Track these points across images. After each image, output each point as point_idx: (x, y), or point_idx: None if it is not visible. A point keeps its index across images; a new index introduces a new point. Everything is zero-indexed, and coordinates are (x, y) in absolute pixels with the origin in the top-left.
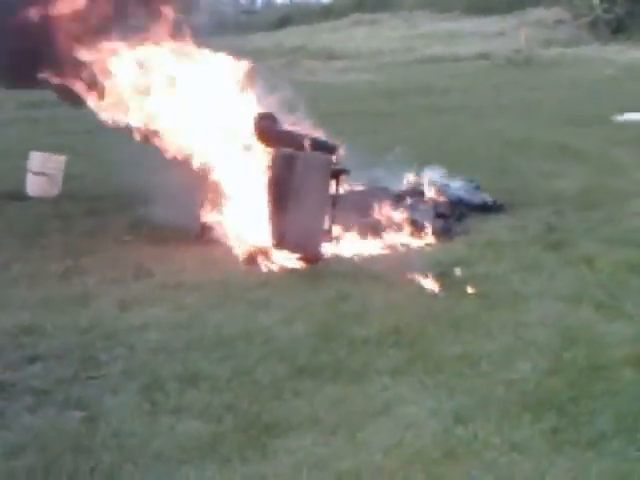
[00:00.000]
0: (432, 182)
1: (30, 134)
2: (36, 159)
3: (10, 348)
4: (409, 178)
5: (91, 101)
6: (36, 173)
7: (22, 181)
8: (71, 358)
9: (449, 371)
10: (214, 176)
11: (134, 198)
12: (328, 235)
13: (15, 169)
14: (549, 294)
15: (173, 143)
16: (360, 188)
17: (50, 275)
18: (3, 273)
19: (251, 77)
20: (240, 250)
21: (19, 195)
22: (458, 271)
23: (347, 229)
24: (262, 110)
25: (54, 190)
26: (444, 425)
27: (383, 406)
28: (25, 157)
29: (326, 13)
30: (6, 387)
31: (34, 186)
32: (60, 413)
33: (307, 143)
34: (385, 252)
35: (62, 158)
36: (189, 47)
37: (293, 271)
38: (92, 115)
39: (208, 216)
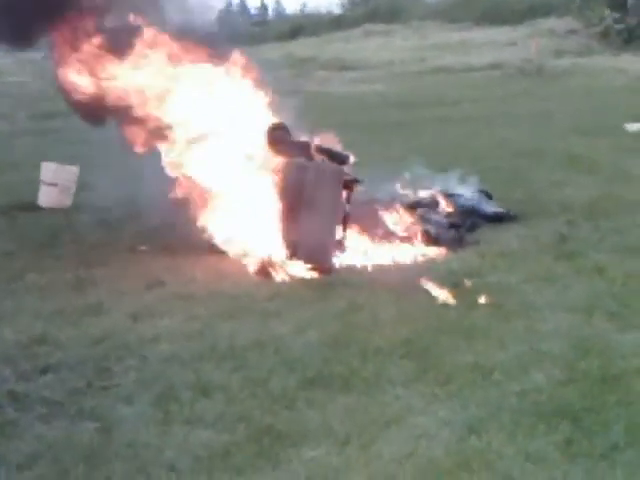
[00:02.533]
0: (444, 192)
1: (42, 145)
2: (48, 170)
3: (23, 358)
4: (421, 188)
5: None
6: (48, 184)
7: (34, 192)
8: (84, 368)
9: (462, 381)
10: (225, 187)
11: (146, 209)
12: (340, 245)
13: (27, 180)
14: (562, 304)
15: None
16: (372, 198)
17: (63, 286)
18: (16, 283)
19: (262, 87)
20: (251, 261)
21: (32, 206)
22: (471, 282)
23: (359, 239)
24: (274, 120)
25: (67, 201)
26: (457, 435)
27: (395, 416)
28: (37, 168)
29: (337, 23)
30: (19, 397)
31: (46, 197)
32: (73, 424)
33: (319, 153)
34: (397, 262)
35: (74, 169)
36: (200, 57)
37: (305, 282)
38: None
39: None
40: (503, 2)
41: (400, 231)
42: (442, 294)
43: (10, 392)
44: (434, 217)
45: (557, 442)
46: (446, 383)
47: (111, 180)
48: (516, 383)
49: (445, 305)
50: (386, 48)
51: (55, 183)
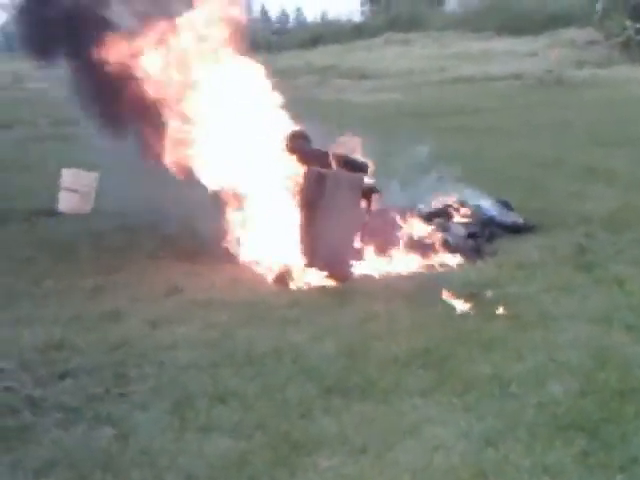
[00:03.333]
0: (463, 202)
1: (62, 151)
2: (68, 176)
3: (41, 364)
4: (440, 198)
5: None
6: (68, 189)
7: (54, 198)
8: (101, 375)
9: (479, 392)
10: (244, 194)
11: (165, 215)
12: (358, 254)
13: (48, 186)
14: (580, 315)
15: (202, 160)
16: (391, 207)
17: (81, 291)
18: (35, 289)
19: (282, 95)
20: (269, 268)
21: (51, 211)
22: (489, 292)
23: (378, 248)
24: (293, 128)
25: (86, 207)
26: (474, 447)
27: (412, 426)
28: (57, 174)
29: (358, 32)
30: (37, 403)
31: (66, 202)
32: (90, 429)
33: (338, 162)
34: (415, 271)
35: (94, 175)
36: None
37: (322, 290)
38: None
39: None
40: (524, 12)
41: (418, 240)
42: (460, 304)
43: (28, 397)
44: (452, 227)
45: (575, 454)
46: (463, 394)
47: (130, 186)
48: (534, 395)
49: (463, 315)
50: (406, 57)
51: (75, 189)
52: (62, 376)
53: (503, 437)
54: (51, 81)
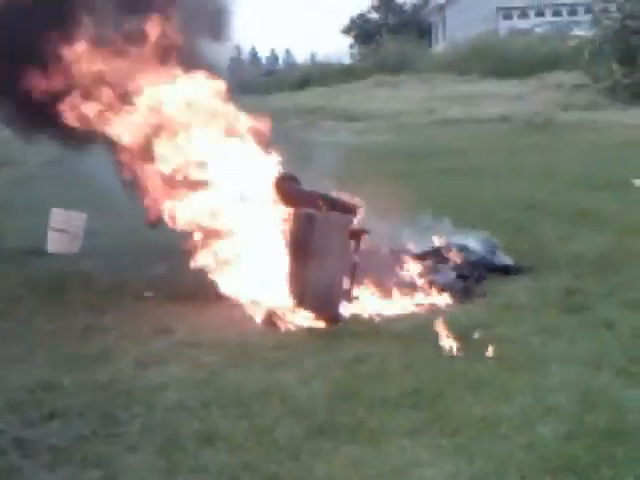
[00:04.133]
0: (452, 243)
1: (51, 190)
2: (57, 216)
3: (29, 404)
4: (429, 239)
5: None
6: (57, 230)
7: (43, 237)
8: (90, 415)
9: (468, 434)
10: (233, 235)
11: (153, 255)
12: (348, 295)
13: (36, 226)
14: (569, 358)
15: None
16: (380, 248)
17: (70, 332)
18: (23, 329)
19: (270, 137)
20: (258, 310)
21: (40, 251)
22: (477, 333)
23: (367, 289)
24: (282, 170)
25: (75, 247)
26: None
27: (401, 468)
28: (46, 214)
29: (347, 74)
30: (25, 444)
31: (55, 243)
32: (78, 471)
33: (327, 203)
34: (405, 312)
35: (83, 215)
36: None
37: (311, 331)
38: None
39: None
40: (511, 56)
41: (408, 281)
42: (449, 345)
43: (15, 439)
44: (442, 268)
45: None
46: (453, 435)
47: (118, 226)
48: (522, 436)
49: (452, 356)
50: (395, 99)
51: (64, 229)
52: (50, 417)
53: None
54: None
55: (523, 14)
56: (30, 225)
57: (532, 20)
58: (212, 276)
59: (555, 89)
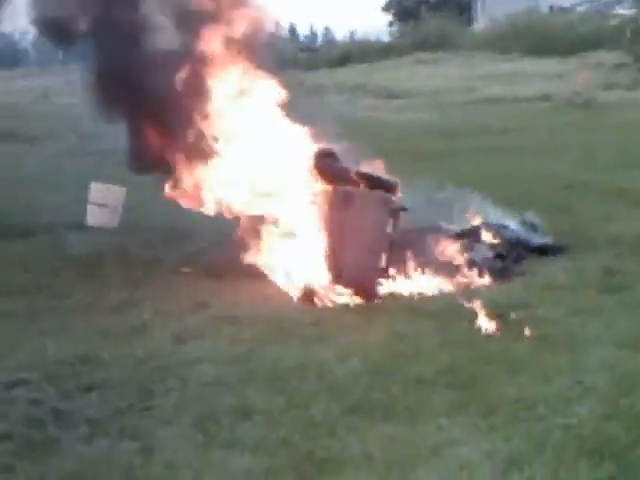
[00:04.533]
0: (490, 222)
1: (90, 166)
2: (97, 190)
3: (67, 377)
4: (467, 218)
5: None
6: (97, 204)
7: (82, 212)
8: (126, 389)
9: (504, 414)
10: (271, 212)
11: (190, 231)
12: (385, 273)
13: (76, 200)
14: (607, 339)
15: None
16: (418, 227)
17: (108, 305)
18: (62, 302)
19: (310, 114)
20: (295, 286)
21: (78, 225)
22: (514, 313)
23: (404, 267)
24: (321, 147)
25: (114, 221)
26: (499, 469)
27: (437, 447)
28: (86, 188)
29: (387, 51)
30: (62, 416)
31: (94, 217)
32: (115, 443)
33: (365, 180)
34: (441, 291)
35: (122, 190)
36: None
37: (348, 308)
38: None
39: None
40: (552, 34)
41: (445, 260)
42: (486, 324)
43: (53, 410)
44: (480, 247)
45: (601, 478)
46: (489, 415)
47: (156, 202)
48: (560, 417)
49: (489, 336)
50: (434, 77)
51: (103, 203)
52: (87, 389)
53: (528, 459)
54: (80, 96)
55: None
56: (69, 200)
57: None
58: (249, 252)
59: (596, 68)
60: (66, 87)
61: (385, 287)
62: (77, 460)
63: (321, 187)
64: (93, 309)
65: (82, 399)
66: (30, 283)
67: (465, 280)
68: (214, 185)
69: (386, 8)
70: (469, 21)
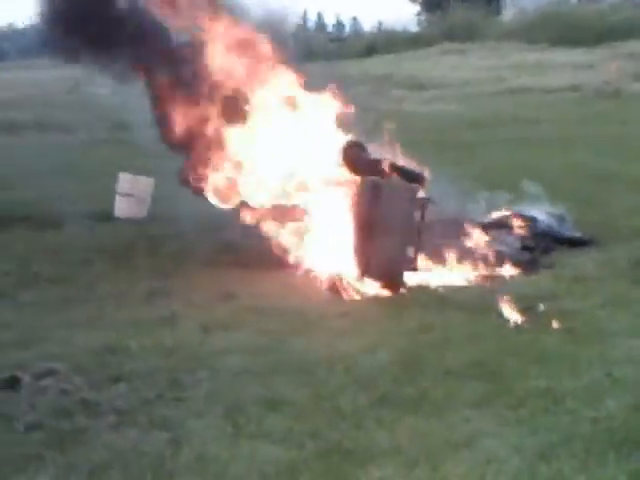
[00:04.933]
0: (518, 214)
1: (118, 156)
2: (125, 181)
3: (96, 367)
4: (495, 209)
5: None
6: (125, 195)
7: (111, 202)
8: (155, 379)
9: (532, 406)
10: (300, 203)
11: (219, 222)
12: (412, 264)
13: (104, 190)
14: (636, 330)
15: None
16: (446, 218)
17: (136, 296)
18: (91, 292)
19: (338, 105)
20: (322, 278)
21: (108, 216)
22: (542, 305)
23: (432, 259)
24: (350, 138)
25: (142, 212)
26: (527, 461)
27: (465, 439)
28: (114, 178)
29: (414, 42)
30: (90, 406)
31: (122, 207)
32: (143, 434)
33: (393, 172)
34: (469, 283)
35: (151, 180)
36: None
37: (375, 300)
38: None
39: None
40: (581, 23)
41: (473, 251)
42: (514, 316)
43: (82, 400)
44: (508, 239)
45: (630, 471)
46: (517, 407)
47: (185, 192)
48: (588, 409)
49: (517, 328)
50: (462, 67)
51: (131, 194)
52: (116, 380)
53: (557, 452)
54: (110, 86)
55: None
56: (97, 190)
57: None
58: (277, 244)
59: (627, 58)
60: (96, 78)
61: (413, 278)
62: (105, 450)
63: (349, 178)
64: (122, 300)
65: (110, 389)
66: (60, 273)
67: (493, 272)
68: (241, 177)
69: None
70: (497, 11)
